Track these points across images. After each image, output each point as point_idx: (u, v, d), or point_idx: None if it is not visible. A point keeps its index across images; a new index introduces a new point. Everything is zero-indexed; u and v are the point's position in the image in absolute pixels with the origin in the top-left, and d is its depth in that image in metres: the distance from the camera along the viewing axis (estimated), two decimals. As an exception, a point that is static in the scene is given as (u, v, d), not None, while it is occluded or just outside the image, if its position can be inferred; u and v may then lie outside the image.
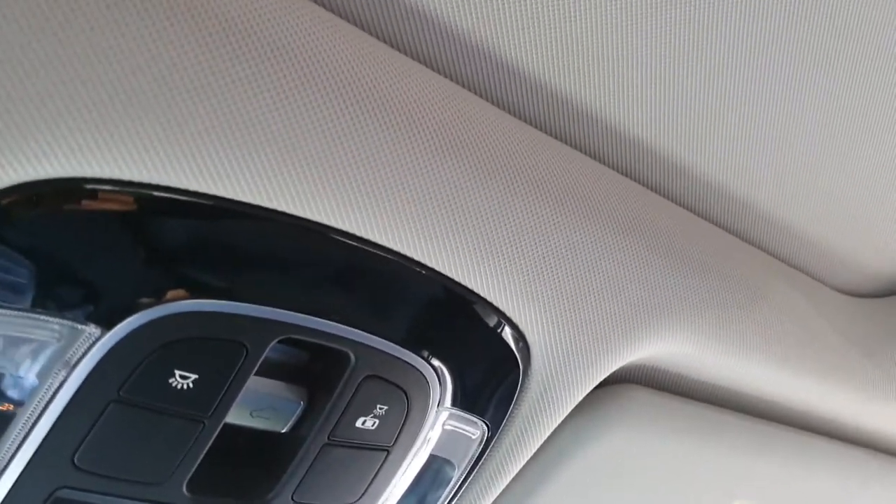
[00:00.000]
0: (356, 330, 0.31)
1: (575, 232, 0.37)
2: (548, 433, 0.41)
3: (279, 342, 0.30)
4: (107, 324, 0.26)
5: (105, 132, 0.25)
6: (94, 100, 0.24)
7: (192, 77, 0.26)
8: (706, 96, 0.40)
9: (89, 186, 0.25)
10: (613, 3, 0.35)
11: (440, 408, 0.35)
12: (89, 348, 0.26)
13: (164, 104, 0.25)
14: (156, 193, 0.26)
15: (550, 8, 0.34)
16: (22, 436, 0.27)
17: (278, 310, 0.29)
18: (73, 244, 0.26)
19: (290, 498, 0.33)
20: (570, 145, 0.40)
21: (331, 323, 0.30)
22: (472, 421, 0.38)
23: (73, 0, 0.24)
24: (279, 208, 0.29)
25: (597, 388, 0.42)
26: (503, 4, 0.34)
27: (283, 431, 0.33)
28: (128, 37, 0.25)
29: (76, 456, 0.28)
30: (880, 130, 0.44)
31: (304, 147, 0.28)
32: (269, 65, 0.27)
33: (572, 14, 0.35)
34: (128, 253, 0.26)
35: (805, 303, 0.50)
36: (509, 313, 0.36)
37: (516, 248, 0.35)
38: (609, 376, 0.44)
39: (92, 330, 0.26)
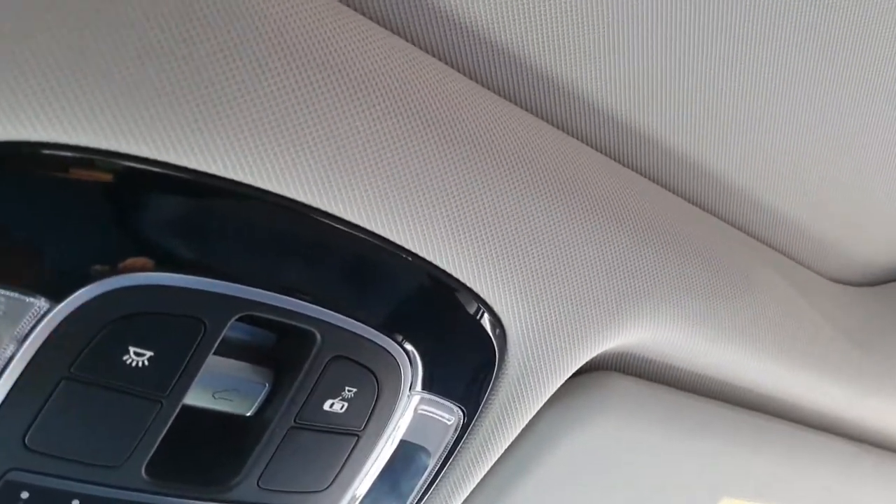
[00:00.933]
0: (322, 309, 0.30)
1: (554, 213, 0.36)
2: (526, 420, 0.40)
3: (243, 320, 0.29)
4: (57, 296, 0.25)
5: (52, 94, 0.24)
6: (41, 61, 0.23)
7: (150, 40, 0.25)
8: (696, 79, 0.38)
9: (36, 151, 0.24)
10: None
11: (412, 392, 0.34)
12: (38, 322, 0.25)
13: (120, 66, 0.24)
14: (109, 160, 0.25)
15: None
16: None
17: (239, 285, 0.28)
18: (20, 211, 0.24)
19: (255, 484, 0.32)
20: (552, 123, 0.39)
21: (295, 300, 0.29)
22: (447, 406, 0.36)
23: None
24: (244, 181, 0.27)
25: (576, 375, 0.41)
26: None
27: (248, 414, 0.32)
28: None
29: (27, 436, 0.27)
30: (875, 119, 0.43)
31: (270, 119, 0.27)
32: (229, 31, 0.26)
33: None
34: (79, 222, 0.25)
35: (795, 291, 0.48)
36: (485, 296, 0.35)
37: (492, 228, 0.34)
38: (594, 364, 0.43)
39: (41, 303, 0.25)
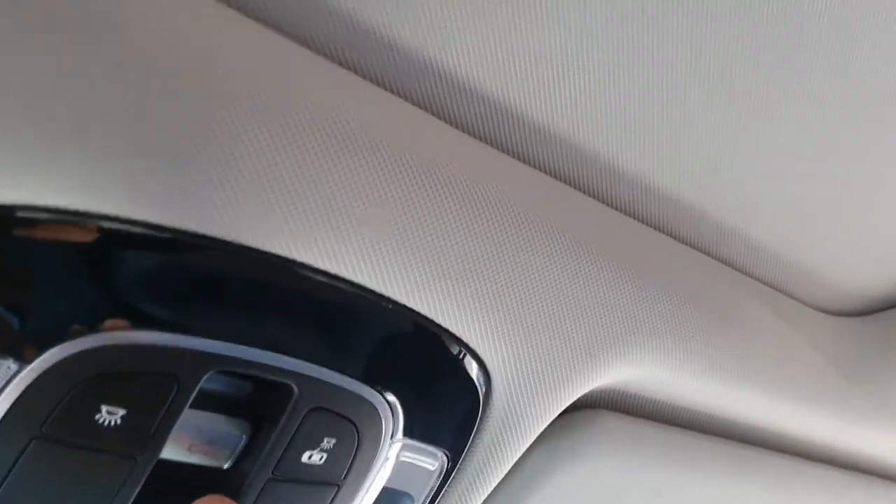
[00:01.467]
0: (298, 361, 0.30)
1: (534, 255, 0.35)
2: (512, 461, 0.39)
3: (218, 373, 0.29)
4: (25, 357, 0.25)
5: (19, 157, 0.23)
6: (18, 122, 0.23)
7: (112, 102, 0.24)
8: (677, 119, 0.38)
9: (6, 213, 0.24)
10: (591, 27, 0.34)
11: (394, 439, 0.34)
12: (7, 383, 0.25)
13: (93, 125, 0.24)
14: (79, 219, 0.25)
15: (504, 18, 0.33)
16: None
17: (212, 341, 0.28)
18: None
19: None
20: (527, 162, 0.39)
21: (269, 353, 0.29)
22: (431, 451, 0.36)
23: None
24: (218, 236, 0.27)
25: (565, 413, 0.41)
26: (446, 16, 0.33)
27: (225, 467, 0.31)
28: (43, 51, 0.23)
29: None
30: (857, 154, 0.43)
31: (241, 170, 0.27)
32: (190, 90, 0.26)
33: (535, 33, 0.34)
34: (47, 282, 0.25)
35: (781, 323, 0.48)
36: (467, 340, 0.35)
37: (473, 273, 0.34)
38: (579, 402, 0.42)
39: (10, 364, 0.25)
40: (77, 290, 0.25)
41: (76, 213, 0.25)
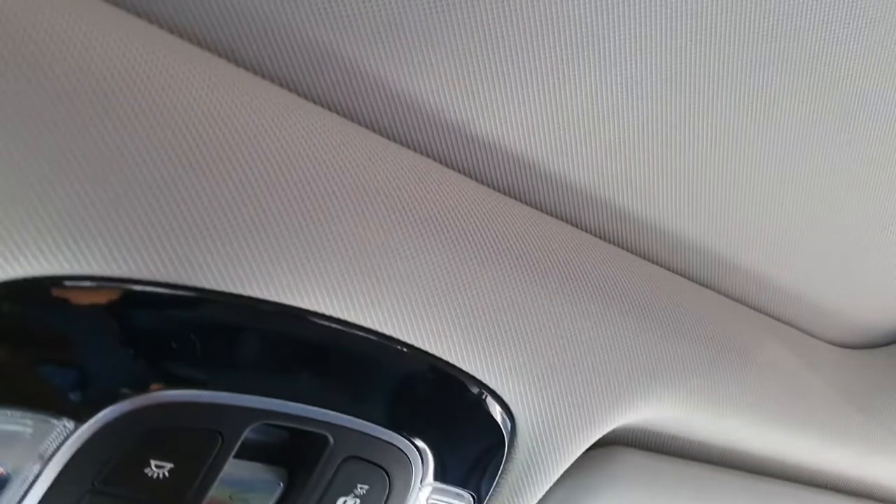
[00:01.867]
0: (335, 413, 0.31)
1: (557, 302, 0.37)
2: (536, 500, 0.40)
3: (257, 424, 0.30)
4: (80, 417, 0.26)
5: (75, 231, 0.25)
6: (63, 200, 0.25)
7: (160, 173, 0.26)
8: (689, 166, 0.40)
9: (56, 283, 0.25)
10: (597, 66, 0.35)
11: (423, 484, 0.35)
12: (63, 442, 0.26)
13: (131, 201, 0.26)
14: (125, 286, 0.26)
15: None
16: None
17: (253, 396, 0.29)
18: (43, 341, 0.26)
19: None
20: (549, 213, 0.40)
21: (307, 407, 0.30)
22: (458, 494, 0.37)
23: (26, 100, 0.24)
24: (251, 294, 0.29)
25: (586, 451, 0.42)
26: (469, 76, 0.34)
27: (264, 514, 0.33)
28: (93, 135, 0.25)
29: None
30: (866, 186, 0.44)
31: (274, 232, 0.28)
32: (233, 161, 0.28)
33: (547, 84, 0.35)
34: (98, 347, 0.26)
35: (796, 358, 0.49)
36: (493, 386, 0.36)
37: (498, 320, 0.35)
38: (599, 439, 0.43)
39: (66, 423, 0.26)
40: (126, 353, 0.27)
41: (120, 280, 0.26)
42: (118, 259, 0.26)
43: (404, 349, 0.33)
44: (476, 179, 0.38)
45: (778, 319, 0.51)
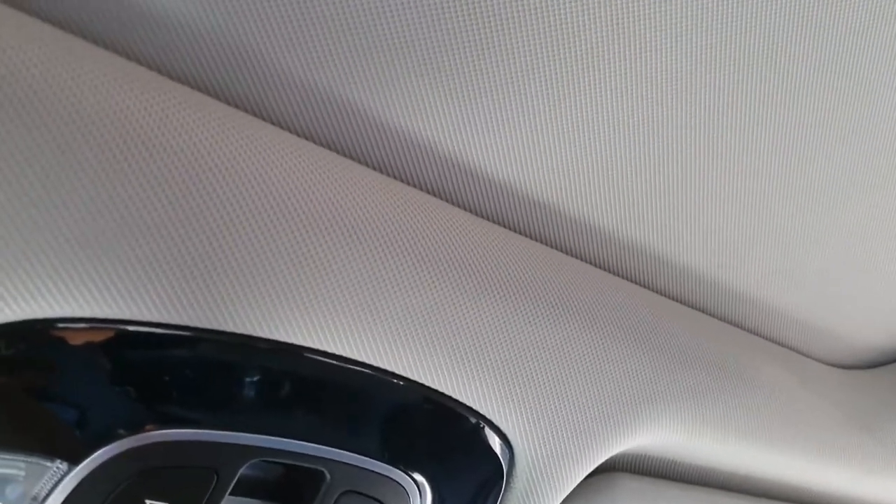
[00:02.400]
0: (331, 448, 0.31)
1: (551, 329, 0.37)
2: (535, 530, 0.40)
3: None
4: (75, 459, 0.26)
5: (65, 274, 0.25)
6: (56, 244, 0.25)
7: (150, 216, 0.26)
8: (684, 194, 0.40)
9: (53, 326, 0.25)
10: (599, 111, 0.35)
11: (421, 515, 0.35)
12: (57, 483, 0.26)
13: (122, 243, 0.26)
14: (118, 327, 0.26)
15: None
16: None
17: (249, 434, 0.29)
18: (36, 383, 0.26)
19: None
20: (540, 240, 0.40)
21: (303, 443, 0.30)
22: (456, 524, 0.37)
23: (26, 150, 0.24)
24: (244, 332, 0.29)
25: (585, 478, 0.42)
26: (467, 110, 0.35)
27: (260, 550, 0.32)
28: (84, 181, 0.25)
29: None
30: (863, 210, 0.44)
31: (265, 269, 0.28)
32: (224, 200, 0.28)
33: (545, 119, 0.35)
34: (93, 388, 0.26)
35: (797, 381, 0.49)
36: (489, 416, 0.36)
37: (492, 349, 0.35)
38: (599, 465, 0.43)
39: (59, 465, 0.26)
40: (120, 393, 0.27)
41: (113, 322, 0.26)
42: (111, 300, 0.26)
43: (399, 382, 0.33)
44: (469, 210, 0.38)
45: (777, 342, 0.51)
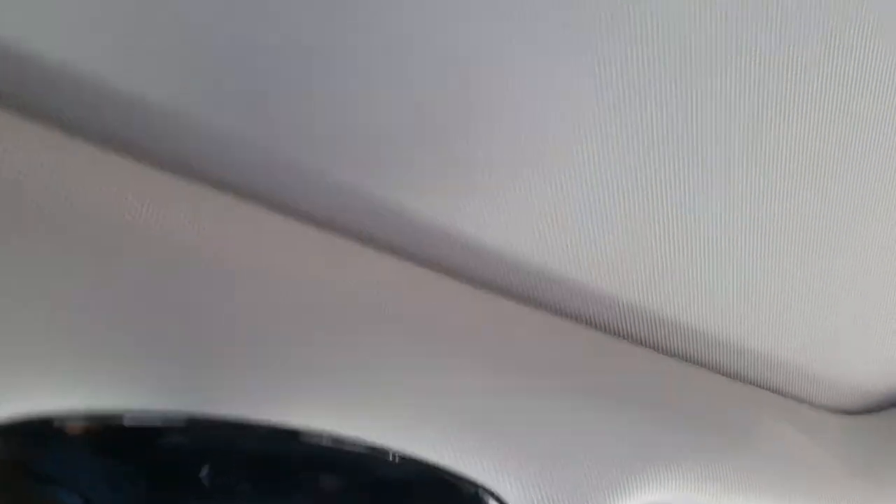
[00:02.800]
0: None
1: (548, 396, 0.37)
2: None
3: None
4: None
5: (58, 370, 0.25)
6: (52, 341, 0.25)
7: (146, 311, 0.26)
8: (679, 255, 0.40)
9: (49, 422, 0.25)
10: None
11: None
12: None
13: (118, 336, 0.26)
14: (114, 422, 0.26)
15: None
16: None
17: None
18: (35, 478, 0.26)
19: None
20: (533, 305, 0.40)
21: None
22: None
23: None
24: (239, 417, 0.29)
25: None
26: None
27: None
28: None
29: None
30: (856, 260, 0.45)
31: (261, 353, 0.29)
32: (215, 285, 0.28)
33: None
34: (94, 480, 0.26)
35: (796, 430, 0.49)
36: (489, 485, 0.36)
37: (489, 419, 0.35)
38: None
39: None
40: (121, 484, 0.27)
41: (109, 416, 0.26)
42: (107, 393, 0.26)
43: (398, 459, 0.33)
44: (463, 278, 0.38)
45: (775, 391, 0.51)
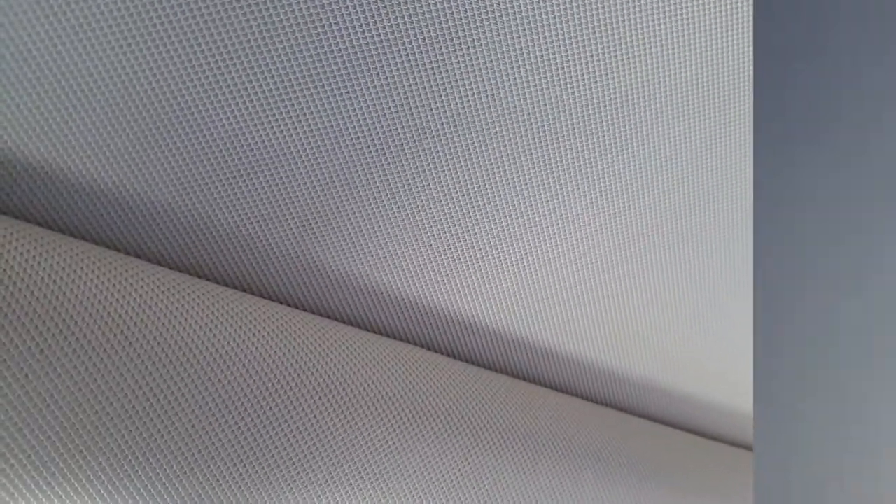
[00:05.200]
0: None
1: (554, 475, 0.37)
2: None
3: None
4: None
5: (46, 472, 0.26)
6: (34, 443, 0.25)
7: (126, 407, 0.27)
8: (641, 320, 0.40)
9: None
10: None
11: None
12: None
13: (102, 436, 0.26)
14: None
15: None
16: None
17: None
18: None
19: None
20: (524, 378, 0.41)
21: None
22: None
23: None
24: None
25: None
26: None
27: None
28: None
29: None
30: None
31: (276, 445, 0.29)
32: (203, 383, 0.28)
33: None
34: None
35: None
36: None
37: (487, 496, 0.35)
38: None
39: None
40: None
41: None
42: (95, 496, 0.26)
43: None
44: (455, 356, 0.39)
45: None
